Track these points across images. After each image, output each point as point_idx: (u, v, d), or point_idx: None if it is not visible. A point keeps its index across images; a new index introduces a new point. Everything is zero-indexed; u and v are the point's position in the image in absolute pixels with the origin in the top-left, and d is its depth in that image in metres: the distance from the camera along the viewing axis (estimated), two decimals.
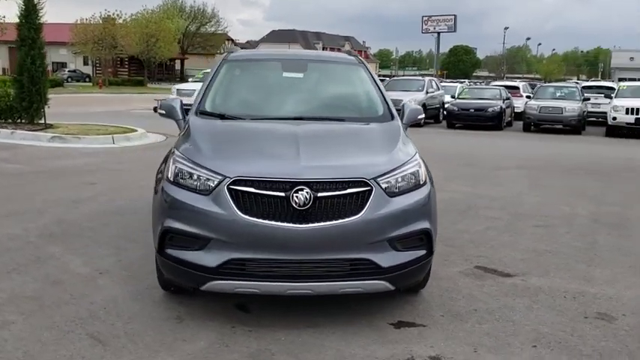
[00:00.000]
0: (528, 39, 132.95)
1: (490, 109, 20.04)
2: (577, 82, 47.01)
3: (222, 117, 4.42)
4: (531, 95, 23.34)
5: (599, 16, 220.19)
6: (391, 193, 3.69)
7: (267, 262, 3.55)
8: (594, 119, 22.43)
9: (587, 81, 59.40)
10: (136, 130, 14.05)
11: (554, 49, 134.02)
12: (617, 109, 18.72)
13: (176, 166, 3.82)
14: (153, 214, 3.98)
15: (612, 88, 24.03)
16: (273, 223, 3.49)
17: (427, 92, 21.64)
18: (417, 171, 3.89)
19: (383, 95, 4.87)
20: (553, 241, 5.96)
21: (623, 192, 8.91)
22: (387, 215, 3.63)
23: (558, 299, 4.38)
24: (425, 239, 3.84)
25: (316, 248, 3.53)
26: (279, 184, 3.53)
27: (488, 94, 21.58)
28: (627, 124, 18.50)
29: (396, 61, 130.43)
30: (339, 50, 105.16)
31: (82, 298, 4.20)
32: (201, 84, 16.43)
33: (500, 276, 4.87)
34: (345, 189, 3.57)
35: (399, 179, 3.76)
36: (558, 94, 21.28)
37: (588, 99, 21.16)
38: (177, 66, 67.89)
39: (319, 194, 3.52)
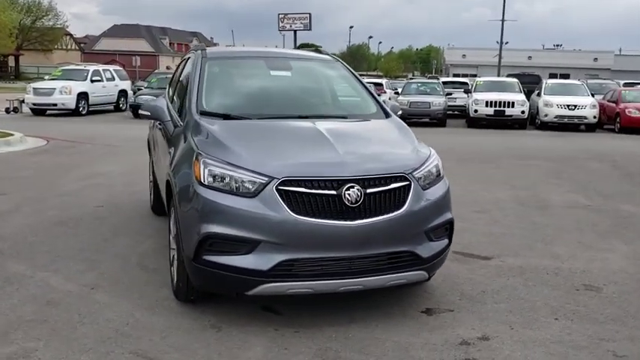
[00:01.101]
0: (370, 37, 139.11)
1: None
2: (411, 78, 50.15)
3: (225, 117, 4.29)
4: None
5: (428, 16, 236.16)
6: (423, 187, 3.86)
7: (320, 261, 3.56)
8: (450, 112, 24.15)
9: (421, 77, 63.42)
10: (13, 134, 12.85)
11: (392, 47, 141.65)
12: (478, 102, 20.39)
13: (209, 170, 3.67)
14: (183, 221, 3.77)
15: (466, 83, 26.11)
16: (326, 221, 3.51)
17: None
18: (438, 164, 4.10)
19: (370, 92, 5.02)
20: (500, 225, 6.48)
21: (523, 177, 9.82)
22: (424, 208, 3.80)
23: (544, 276, 4.82)
24: (449, 229, 4.06)
25: (366, 244, 3.61)
26: (330, 183, 3.55)
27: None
28: (487, 115, 20.20)
29: None
30: (186, 46, 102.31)
31: (94, 316, 3.91)
32: (63, 82, 15.42)
33: (480, 259, 5.24)
34: (389, 184, 3.69)
35: (427, 173, 3.94)
36: (423, 90, 22.66)
37: (450, 94, 22.78)
38: (12, 62, 62.30)
39: (367, 190, 3.60)
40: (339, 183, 3.55)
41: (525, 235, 6.04)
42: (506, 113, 20.04)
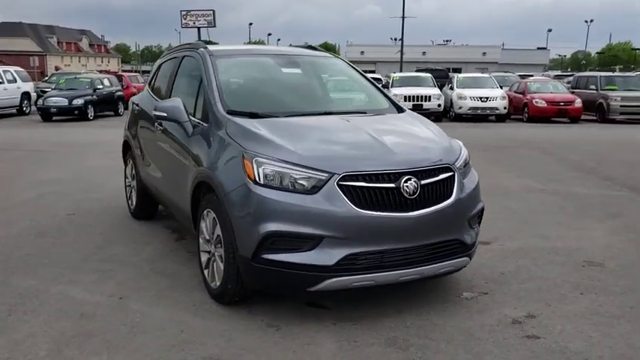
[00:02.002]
0: (270, 34, 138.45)
1: None
2: None
3: (253, 115, 4.25)
4: None
5: (323, 13, 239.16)
6: (462, 177, 4.04)
7: (381, 253, 3.64)
8: None
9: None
10: None
11: (290, 44, 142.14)
12: (397, 96, 20.89)
13: (264, 168, 3.65)
14: (237, 222, 3.71)
15: (379, 79, 26.82)
16: (387, 214, 3.60)
17: None
18: (467, 154, 4.29)
19: (377, 87, 5.14)
20: None
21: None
22: (466, 197, 3.98)
23: (547, 256, 5.15)
24: (481, 216, 4.27)
25: (423, 234, 3.73)
26: (388, 176, 3.64)
27: None
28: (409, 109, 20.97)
29: (137, 56, 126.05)
30: (76, 45, 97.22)
31: (141, 325, 3.78)
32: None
33: (481, 244, 5.48)
34: (438, 175, 3.83)
35: (463, 163, 4.13)
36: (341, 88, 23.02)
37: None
38: None
39: (422, 182, 3.72)
40: (396, 176, 3.65)
41: (508, 219, 6.40)
42: (424, 107, 20.78)
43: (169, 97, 5.25)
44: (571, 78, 28.06)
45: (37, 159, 11.12)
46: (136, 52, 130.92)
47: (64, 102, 20.77)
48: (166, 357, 3.36)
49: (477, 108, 20.87)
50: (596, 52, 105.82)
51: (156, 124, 5.23)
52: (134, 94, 27.79)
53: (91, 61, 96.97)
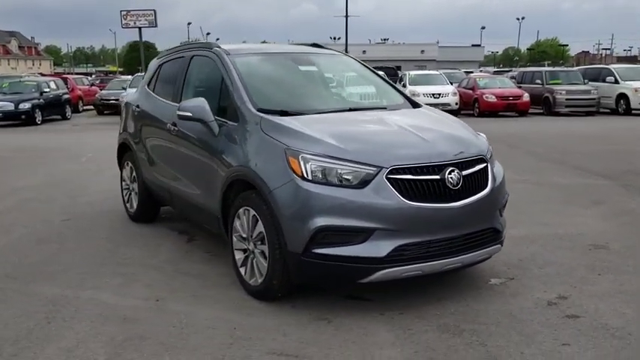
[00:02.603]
0: (208, 34, 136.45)
1: None
2: None
3: (283, 113, 4.29)
4: None
5: (259, 12, 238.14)
6: (492, 167, 4.21)
7: (428, 243, 3.76)
8: None
9: None
10: None
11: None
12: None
13: (311, 164, 3.70)
14: (285, 218, 3.75)
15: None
16: (433, 205, 3.72)
17: None
18: (491, 147, 4.47)
19: (389, 83, 5.27)
20: None
21: None
22: (498, 186, 4.16)
23: (554, 241, 5.40)
24: (505, 205, 4.45)
25: (465, 223, 3.88)
26: (434, 168, 3.76)
27: None
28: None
29: (70, 57, 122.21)
30: (4, 47, 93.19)
31: (191, 326, 3.76)
32: None
33: None
34: (475, 166, 3.99)
35: (491, 154, 4.30)
36: None
37: None
38: None
39: (463, 172, 3.87)
40: (440, 168, 3.78)
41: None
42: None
43: (182, 98, 5.21)
44: (511, 73, 29.07)
45: (1, 166, 10.71)
46: (67, 54, 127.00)
47: (10, 106, 20.03)
48: (230, 354, 3.37)
49: (429, 104, 21.32)
50: (527, 48, 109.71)
51: (169, 125, 5.17)
52: (80, 98, 27.24)
53: (21, 64, 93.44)
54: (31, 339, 3.59)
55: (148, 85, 6.11)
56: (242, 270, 4.26)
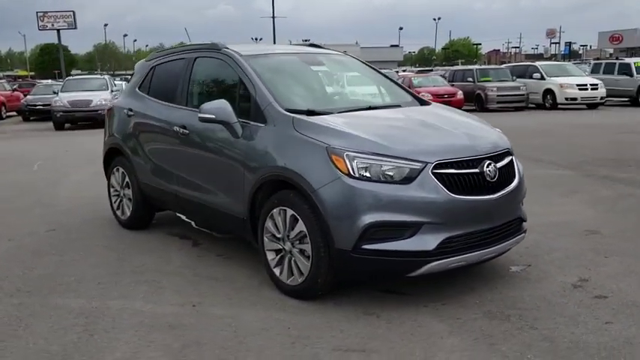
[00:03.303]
0: (125, 35, 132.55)
1: None
2: None
3: (310, 113, 4.32)
4: None
5: (175, 13, 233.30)
6: (516, 159, 4.42)
7: (471, 234, 3.91)
8: None
9: None
10: None
11: (147, 45, 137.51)
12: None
13: (357, 162, 3.77)
14: (333, 216, 3.78)
15: None
16: (475, 197, 3.87)
17: (112, 91, 20.88)
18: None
19: (394, 81, 5.40)
20: None
21: None
22: (522, 177, 4.37)
23: (550, 229, 5.68)
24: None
25: (501, 214, 4.06)
26: (473, 162, 3.92)
27: None
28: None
29: None
30: None
31: (243, 329, 3.74)
32: None
33: None
34: (504, 159, 4.18)
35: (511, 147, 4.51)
36: None
37: None
38: None
39: (498, 165, 4.05)
40: (479, 161, 3.94)
41: None
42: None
43: (188, 101, 5.14)
44: (440, 72, 30.00)
45: None
46: None
47: None
48: (297, 354, 3.38)
49: None
50: (441, 48, 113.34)
51: (177, 128, 5.08)
52: (3, 104, 25.83)
53: None
54: (82, 352, 3.47)
55: (140, 87, 5.96)
56: (276, 270, 4.26)
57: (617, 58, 27.70)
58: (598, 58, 48.88)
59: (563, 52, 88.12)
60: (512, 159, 4.25)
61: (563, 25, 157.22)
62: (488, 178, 3.93)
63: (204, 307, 4.10)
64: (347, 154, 3.79)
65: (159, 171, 5.47)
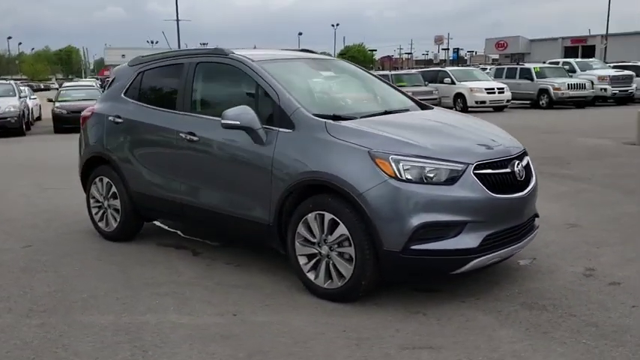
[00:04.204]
0: (9, 38, 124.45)
1: None
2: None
3: (335, 117, 4.38)
4: None
5: (60, 15, 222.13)
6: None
7: (505, 231, 4.13)
8: None
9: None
10: None
11: (33, 48, 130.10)
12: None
13: (402, 165, 3.87)
14: (380, 219, 3.86)
15: None
16: (509, 195, 4.10)
17: (20, 97, 19.69)
18: None
19: (392, 85, 5.56)
20: None
21: None
22: (536, 176, 4.65)
23: None
24: None
25: (527, 211, 4.32)
26: (505, 162, 4.14)
27: (93, 94, 21.11)
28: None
29: None
30: None
31: (295, 333, 3.74)
32: None
33: None
34: (524, 158, 4.44)
35: None
36: None
37: None
38: None
39: (522, 164, 4.30)
40: (509, 161, 4.17)
41: None
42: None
43: (192, 107, 5.03)
44: None
45: None
46: None
47: None
48: (369, 355, 3.43)
49: None
50: (338, 54, 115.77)
51: (183, 135, 4.96)
52: None
53: None
54: None
55: (125, 93, 5.73)
56: (310, 275, 4.27)
57: (517, 63, 29.54)
58: (484, 64, 52.14)
59: (451, 58, 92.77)
60: (528, 159, 4.52)
61: (449, 31, 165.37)
62: (518, 177, 4.17)
63: (246, 315, 4.04)
64: (392, 158, 3.88)
65: (157, 179, 5.30)
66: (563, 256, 5.03)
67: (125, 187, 5.59)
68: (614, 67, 27.91)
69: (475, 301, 4.16)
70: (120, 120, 5.61)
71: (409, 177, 3.85)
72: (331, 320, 3.90)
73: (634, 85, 25.41)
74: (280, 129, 4.38)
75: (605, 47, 54.87)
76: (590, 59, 32.25)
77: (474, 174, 3.94)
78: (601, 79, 25.25)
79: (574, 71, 26.77)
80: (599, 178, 8.48)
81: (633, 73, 25.74)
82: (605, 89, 25.09)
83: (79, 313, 4.15)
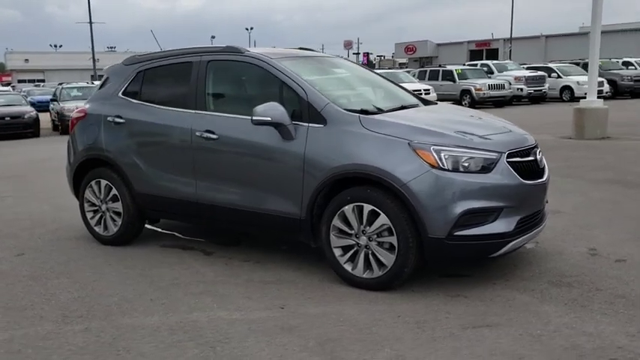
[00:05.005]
0: None
1: (27, 116, 18.89)
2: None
3: (363, 112, 4.51)
4: None
5: None
6: None
7: (531, 215, 4.41)
8: None
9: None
10: None
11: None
12: None
13: (444, 155, 4.06)
14: (426, 207, 4.02)
15: None
16: (535, 181, 4.39)
17: None
18: None
19: (394, 83, 5.76)
20: None
21: None
22: None
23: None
24: None
25: (544, 196, 4.62)
26: (528, 151, 4.43)
27: (14, 100, 20.11)
28: None
29: None
30: None
31: (368, 322, 3.85)
32: None
33: None
34: (537, 148, 4.75)
35: None
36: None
37: None
38: None
39: (540, 153, 4.62)
40: (530, 149, 4.45)
41: None
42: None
43: (207, 106, 5.01)
44: None
45: None
46: None
47: None
48: (435, 336, 3.58)
49: None
50: None
51: (200, 133, 4.92)
52: None
53: None
54: None
55: (124, 93, 5.60)
56: (347, 266, 4.37)
57: (439, 66, 30.67)
58: (392, 68, 53.96)
59: (362, 62, 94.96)
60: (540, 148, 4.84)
61: (358, 36, 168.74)
62: (540, 165, 4.46)
63: (294, 307, 4.09)
64: (433, 148, 4.06)
65: (168, 179, 5.21)
66: (563, 239, 5.39)
67: (128, 188, 5.46)
68: (528, 68, 29.58)
69: (505, 282, 4.41)
70: (121, 120, 5.47)
71: (450, 166, 4.04)
72: (380, 308, 4.02)
73: (546, 85, 27.05)
74: (310, 124, 4.46)
75: (510, 50, 58.03)
76: (506, 61, 33.99)
77: (508, 162, 4.18)
78: (517, 79, 26.71)
79: (492, 72, 28.22)
80: (554, 169, 8.99)
81: (545, 74, 27.41)
82: (522, 89, 26.57)
83: (119, 316, 4.05)
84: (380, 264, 4.24)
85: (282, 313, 4.01)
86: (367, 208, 4.21)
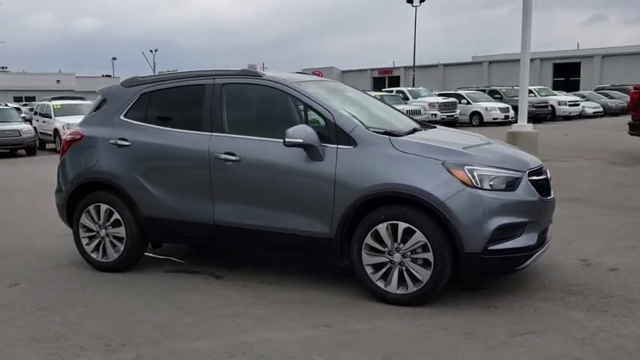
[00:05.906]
0: None
1: None
2: None
3: (388, 134, 4.73)
4: None
5: None
6: None
7: (545, 230, 4.78)
8: None
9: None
10: None
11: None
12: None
13: (478, 174, 4.33)
14: (462, 223, 4.26)
15: None
16: (549, 198, 4.76)
17: None
18: None
19: (390, 106, 6.02)
20: None
21: None
22: None
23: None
24: None
25: (552, 213, 5.01)
26: (540, 170, 4.79)
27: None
28: None
29: None
30: None
31: (421, 336, 4.00)
32: None
33: None
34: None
35: None
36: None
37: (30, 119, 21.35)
38: None
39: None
40: (541, 169, 4.83)
41: None
42: None
43: (223, 128, 5.03)
44: None
45: None
46: None
47: None
48: (489, 344, 3.80)
49: None
50: None
51: (218, 155, 4.93)
52: None
53: None
54: None
55: (127, 115, 5.49)
56: (380, 283, 4.52)
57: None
58: None
59: None
60: None
61: (262, 61, 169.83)
62: (550, 182, 4.84)
63: (339, 325, 4.17)
64: (467, 168, 4.33)
65: (181, 201, 5.15)
66: (554, 252, 5.77)
67: (134, 212, 5.33)
68: (440, 94, 31.08)
69: (524, 293, 4.71)
70: (126, 143, 5.35)
71: (481, 184, 4.31)
72: (424, 322, 4.19)
73: (458, 111, 28.53)
74: (340, 146, 4.60)
75: (414, 77, 60.60)
76: (419, 88, 35.45)
77: (529, 180, 4.52)
78: (431, 105, 27.97)
79: (407, 99, 29.37)
80: None
81: (457, 100, 28.93)
82: (435, 114, 27.79)
83: (166, 341, 3.97)
84: (414, 280, 4.41)
85: (329, 331, 4.08)
86: (402, 226, 4.39)
